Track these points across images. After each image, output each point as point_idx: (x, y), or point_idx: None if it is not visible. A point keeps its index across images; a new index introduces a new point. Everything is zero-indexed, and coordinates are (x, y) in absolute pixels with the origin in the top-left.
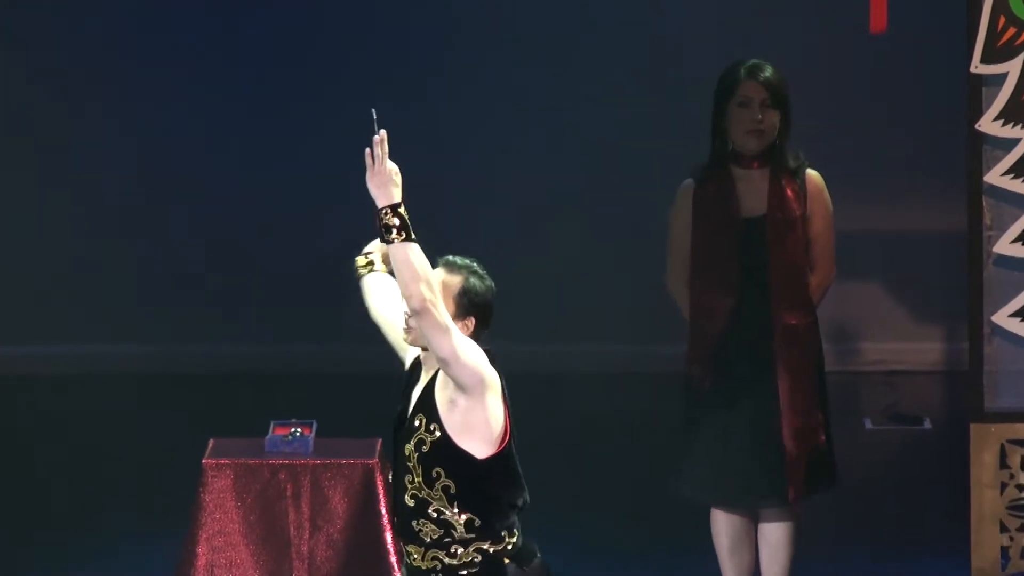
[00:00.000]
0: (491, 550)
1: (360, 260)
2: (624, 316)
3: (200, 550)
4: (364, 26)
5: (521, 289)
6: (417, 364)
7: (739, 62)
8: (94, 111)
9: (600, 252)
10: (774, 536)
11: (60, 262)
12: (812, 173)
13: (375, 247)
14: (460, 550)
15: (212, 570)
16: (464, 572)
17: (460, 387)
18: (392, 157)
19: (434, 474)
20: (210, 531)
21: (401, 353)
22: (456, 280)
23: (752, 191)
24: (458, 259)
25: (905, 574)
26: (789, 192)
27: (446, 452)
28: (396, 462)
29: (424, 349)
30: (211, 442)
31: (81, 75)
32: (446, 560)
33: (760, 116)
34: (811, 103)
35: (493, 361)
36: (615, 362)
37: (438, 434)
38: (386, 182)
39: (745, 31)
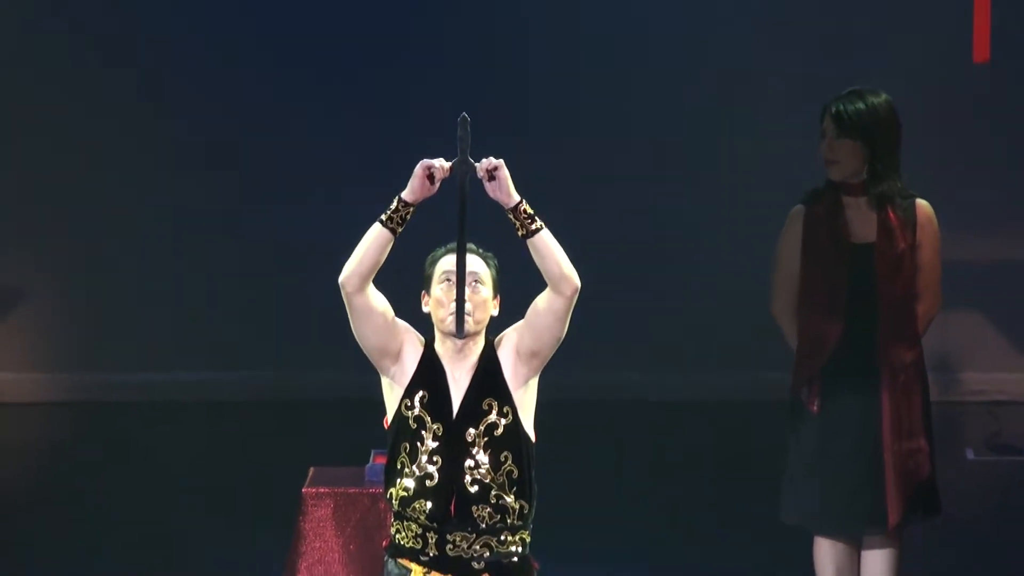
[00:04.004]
0: (528, 540)
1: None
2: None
3: None
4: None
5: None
6: (431, 354)
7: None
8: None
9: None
10: (875, 564)
11: (161, 291)
12: (921, 202)
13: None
14: (509, 537)
15: None
16: (506, 561)
17: (540, 368)
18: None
19: (502, 458)
20: (310, 560)
21: (388, 350)
22: (492, 264)
23: (861, 219)
24: (471, 245)
25: None
26: (896, 221)
27: (515, 436)
28: (446, 447)
29: (462, 338)
30: (311, 470)
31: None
32: (495, 547)
33: (831, 147)
34: (920, 131)
35: None
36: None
37: (511, 417)
38: (509, 181)
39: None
